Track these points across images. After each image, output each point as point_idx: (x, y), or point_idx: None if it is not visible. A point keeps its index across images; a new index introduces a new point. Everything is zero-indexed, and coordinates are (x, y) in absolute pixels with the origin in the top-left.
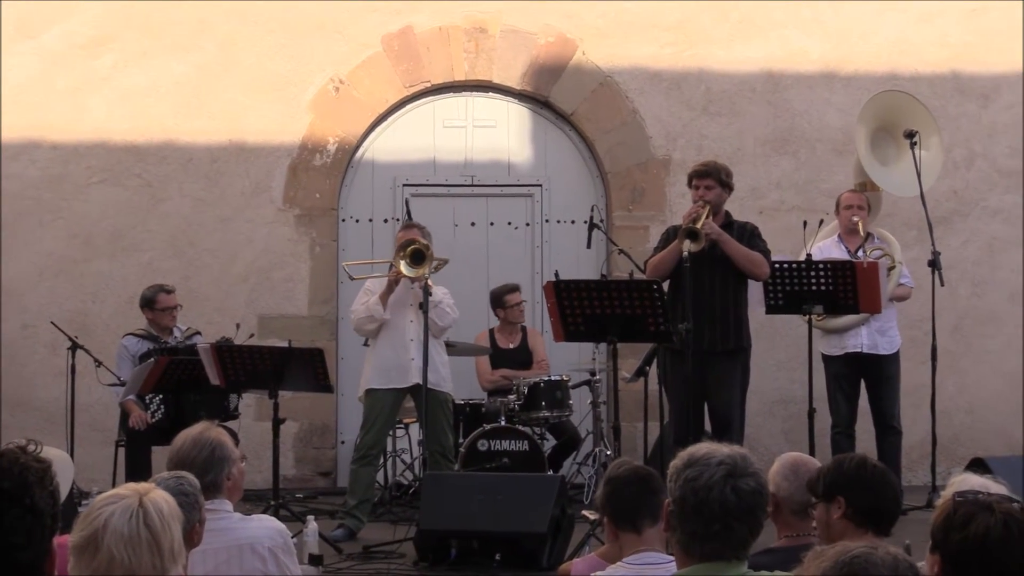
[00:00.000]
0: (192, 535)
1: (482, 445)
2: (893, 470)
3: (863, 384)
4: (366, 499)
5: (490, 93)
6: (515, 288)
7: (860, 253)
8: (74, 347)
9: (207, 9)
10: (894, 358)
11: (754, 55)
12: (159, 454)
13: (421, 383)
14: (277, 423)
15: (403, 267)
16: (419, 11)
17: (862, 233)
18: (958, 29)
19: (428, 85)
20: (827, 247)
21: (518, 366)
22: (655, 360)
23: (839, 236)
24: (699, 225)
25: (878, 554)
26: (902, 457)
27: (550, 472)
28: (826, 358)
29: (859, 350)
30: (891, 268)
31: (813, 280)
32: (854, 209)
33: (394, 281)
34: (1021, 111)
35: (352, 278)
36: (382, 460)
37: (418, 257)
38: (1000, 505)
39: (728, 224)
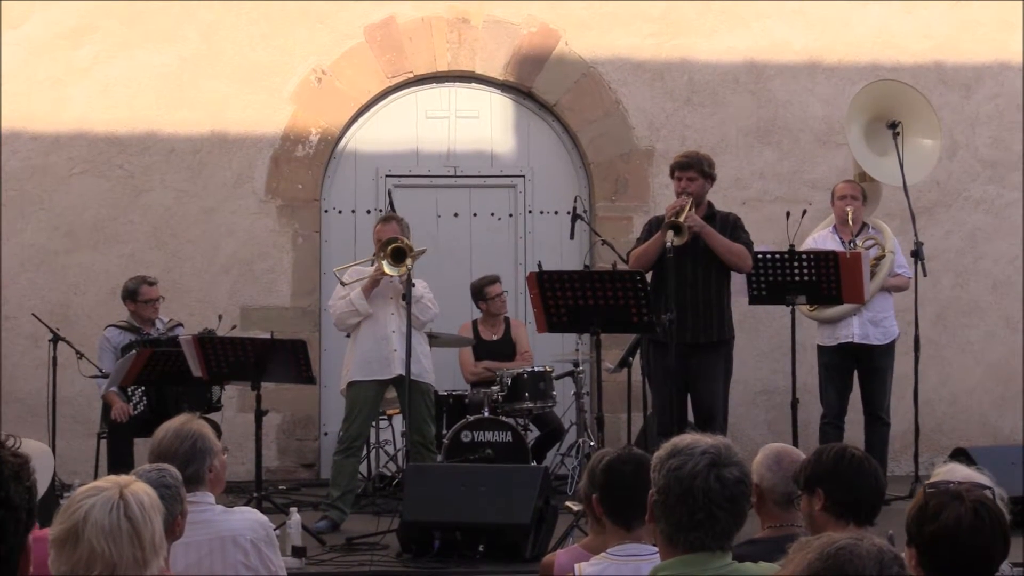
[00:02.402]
0: (174, 527)
1: (465, 436)
2: (879, 461)
3: (856, 375)
4: (349, 491)
5: (473, 84)
6: (495, 280)
7: (852, 244)
8: (56, 339)
9: None
10: (887, 349)
11: (737, 46)
12: (141, 446)
13: (403, 375)
14: (260, 415)
15: (386, 267)
16: (402, 1)
17: (851, 223)
18: (941, 20)
19: (411, 76)
20: (822, 238)
21: (501, 358)
22: (638, 351)
23: (834, 227)
24: (682, 218)
25: (863, 545)
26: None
27: (533, 463)
28: (820, 348)
29: (851, 340)
30: (880, 257)
31: (796, 271)
32: (847, 199)
33: (378, 276)
34: (1004, 102)
35: (343, 283)
36: (365, 452)
37: (399, 255)
38: (970, 494)
39: (711, 215)
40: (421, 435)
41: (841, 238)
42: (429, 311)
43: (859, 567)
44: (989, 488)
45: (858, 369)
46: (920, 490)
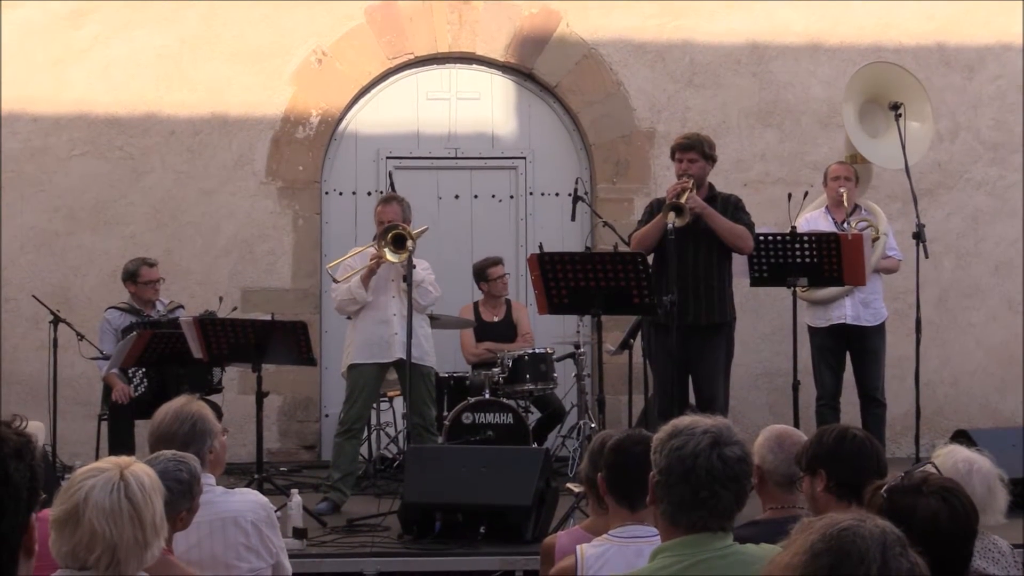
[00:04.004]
0: (176, 521)
1: (466, 418)
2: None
3: (848, 356)
4: (350, 472)
5: (474, 65)
6: (497, 261)
7: (846, 225)
8: (56, 321)
9: None
10: (878, 330)
11: (738, 27)
12: (142, 428)
13: (404, 358)
14: (261, 396)
15: (388, 254)
16: None
17: (846, 205)
18: (943, 1)
19: (411, 57)
20: (814, 218)
21: (502, 339)
22: (639, 333)
23: (826, 208)
24: (683, 200)
25: (866, 526)
26: (886, 429)
27: (534, 445)
28: (811, 330)
29: (843, 321)
30: (875, 239)
31: (798, 252)
32: (841, 180)
33: (375, 266)
34: (1006, 83)
35: (336, 281)
36: (366, 434)
37: (400, 241)
38: (928, 484)
39: (712, 197)
40: (421, 417)
41: (834, 219)
42: (430, 295)
43: (862, 548)
44: (930, 462)
45: (850, 351)
46: (877, 494)
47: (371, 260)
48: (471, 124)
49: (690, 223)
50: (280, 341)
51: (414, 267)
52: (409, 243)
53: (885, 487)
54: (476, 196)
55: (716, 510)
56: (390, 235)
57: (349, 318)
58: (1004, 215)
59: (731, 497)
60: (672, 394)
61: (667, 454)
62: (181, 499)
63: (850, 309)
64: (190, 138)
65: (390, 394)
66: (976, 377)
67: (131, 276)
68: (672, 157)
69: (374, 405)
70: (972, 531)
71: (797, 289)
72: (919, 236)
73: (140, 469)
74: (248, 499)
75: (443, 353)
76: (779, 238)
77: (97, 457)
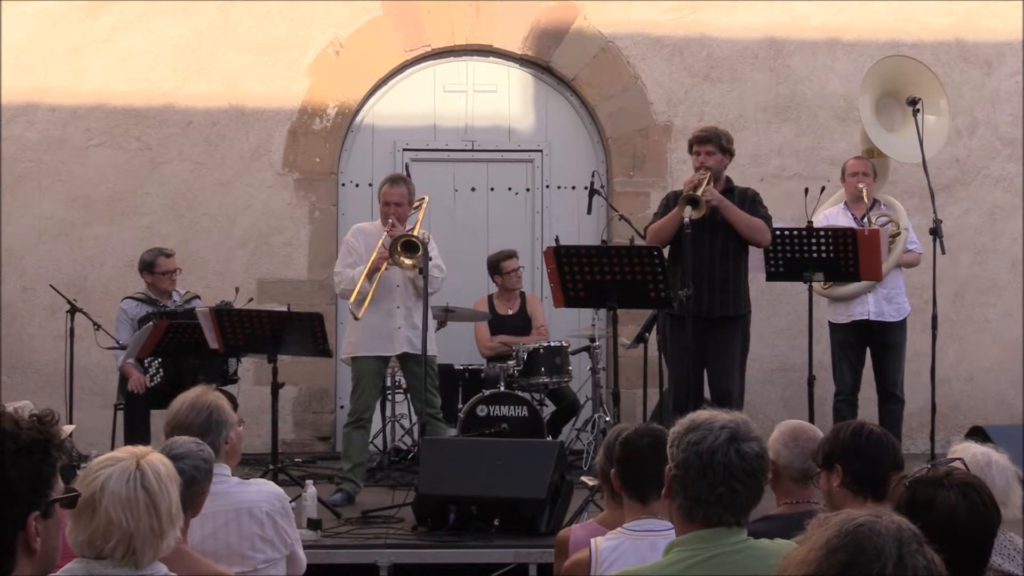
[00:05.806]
0: (196, 504)
1: (481, 411)
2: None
3: (868, 351)
4: (360, 463)
5: (491, 58)
6: (511, 254)
7: (865, 220)
8: (73, 310)
9: None
10: (900, 326)
11: (756, 21)
12: (157, 418)
13: (408, 352)
14: (276, 387)
15: (405, 261)
16: None
17: (866, 200)
18: None
19: (429, 49)
20: (833, 214)
21: (517, 332)
22: (655, 326)
23: (845, 203)
24: (700, 192)
25: (882, 522)
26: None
27: (549, 438)
28: (832, 325)
29: (866, 317)
30: (896, 235)
31: (814, 247)
32: (859, 176)
33: (382, 264)
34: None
35: (357, 318)
36: (380, 425)
37: (411, 247)
38: (949, 477)
39: (729, 190)
40: (430, 406)
41: (853, 215)
42: (436, 281)
43: (878, 544)
44: (958, 459)
45: (871, 346)
46: (899, 484)
47: (382, 266)
48: (488, 117)
49: (707, 216)
50: (296, 332)
51: (430, 259)
52: (420, 249)
53: (908, 478)
54: (492, 189)
55: (732, 505)
56: (400, 245)
57: None
58: (1021, 212)
59: (748, 493)
60: (687, 388)
61: (684, 448)
62: (205, 480)
63: (873, 305)
64: (207, 129)
65: (404, 386)
66: (992, 373)
67: (148, 266)
68: (690, 150)
69: (388, 397)
70: (992, 528)
71: (818, 286)
72: (936, 232)
73: (156, 459)
74: (263, 490)
75: (458, 346)
76: (795, 233)
77: (113, 447)
